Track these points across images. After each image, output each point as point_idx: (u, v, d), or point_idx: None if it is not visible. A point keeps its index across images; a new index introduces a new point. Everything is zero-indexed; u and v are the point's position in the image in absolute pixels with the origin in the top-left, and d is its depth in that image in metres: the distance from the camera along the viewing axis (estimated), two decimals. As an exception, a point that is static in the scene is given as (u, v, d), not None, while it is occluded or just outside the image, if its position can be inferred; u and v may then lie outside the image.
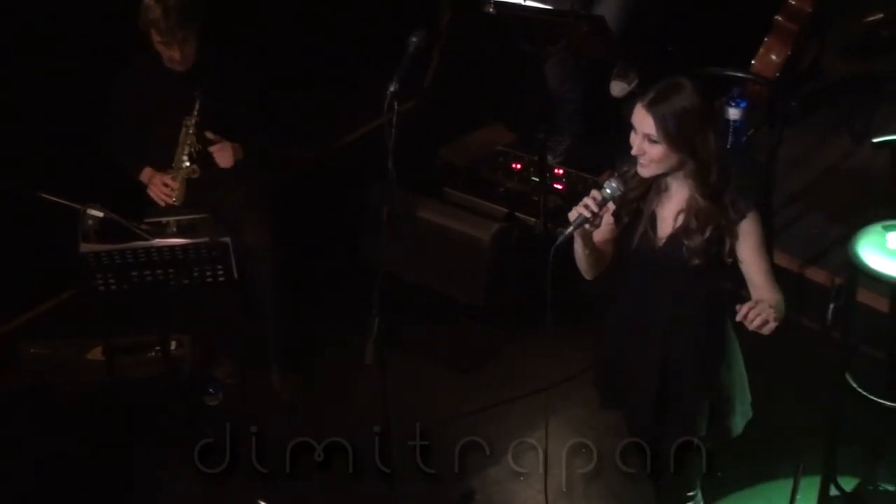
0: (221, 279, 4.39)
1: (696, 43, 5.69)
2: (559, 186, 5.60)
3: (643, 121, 3.39)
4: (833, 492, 4.53)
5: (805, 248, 5.29)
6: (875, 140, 4.51)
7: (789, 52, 5.66)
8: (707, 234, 3.45)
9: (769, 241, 3.54)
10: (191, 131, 4.77)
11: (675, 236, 3.49)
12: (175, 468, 4.63)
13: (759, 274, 3.51)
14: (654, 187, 3.52)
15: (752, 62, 5.66)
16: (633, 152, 3.42)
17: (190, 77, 4.75)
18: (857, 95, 5.98)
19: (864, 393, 4.62)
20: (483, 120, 6.00)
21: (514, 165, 5.67)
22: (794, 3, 5.69)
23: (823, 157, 5.80)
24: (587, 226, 3.43)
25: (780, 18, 5.70)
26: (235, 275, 4.41)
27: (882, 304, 4.79)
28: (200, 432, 4.57)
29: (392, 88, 3.88)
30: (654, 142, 3.38)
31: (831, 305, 3.95)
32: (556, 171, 5.62)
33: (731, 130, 4.90)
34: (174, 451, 4.65)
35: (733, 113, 4.90)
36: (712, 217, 3.45)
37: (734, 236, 3.47)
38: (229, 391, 5.04)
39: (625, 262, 3.62)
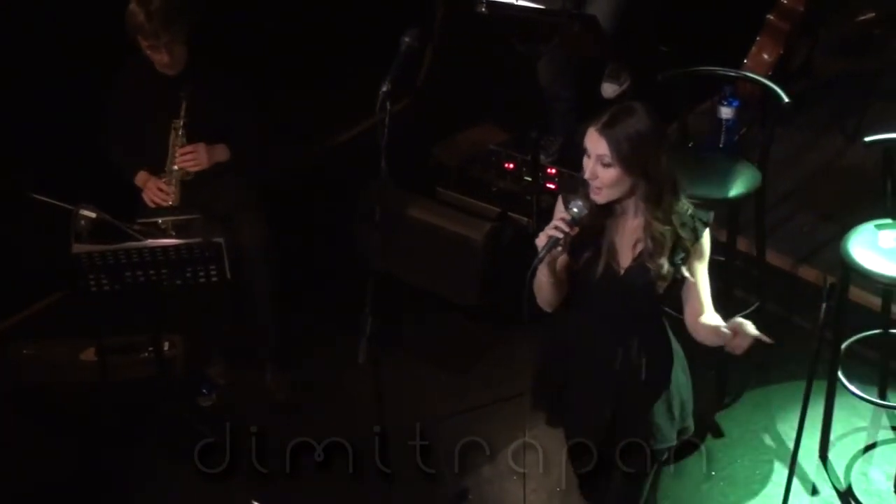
0: (215, 279, 4.39)
1: (688, 42, 5.70)
2: (552, 186, 5.59)
3: (597, 144, 3.38)
4: (828, 492, 4.55)
5: (797, 246, 5.30)
6: (867, 139, 4.51)
7: (781, 51, 5.67)
8: (667, 254, 3.44)
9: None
10: (180, 133, 4.77)
11: (637, 263, 3.48)
12: (169, 469, 4.63)
13: (705, 293, 3.53)
14: (611, 215, 3.50)
15: (745, 61, 5.67)
16: (586, 177, 3.41)
17: (181, 80, 4.75)
18: (849, 94, 5.99)
19: (857, 392, 4.64)
20: (476, 119, 6.00)
21: (506, 165, 5.67)
22: (786, 2, 5.70)
23: (815, 155, 5.81)
24: (559, 248, 3.41)
25: (772, 17, 5.71)
26: (229, 275, 4.41)
27: (874, 303, 4.80)
28: (194, 432, 4.57)
29: (385, 88, 3.88)
30: (608, 165, 3.37)
31: (823, 304, 3.95)
32: (548, 170, 5.62)
33: (723, 129, 4.91)
34: (168, 451, 4.65)
35: (725, 112, 4.91)
36: (670, 238, 3.44)
37: (691, 256, 3.47)
38: (223, 391, 5.04)
39: (578, 294, 3.59)
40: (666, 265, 3.45)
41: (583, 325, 3.62)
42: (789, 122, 5.58)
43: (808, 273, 5.18)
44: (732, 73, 4.91)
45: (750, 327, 3.43)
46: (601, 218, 3.49)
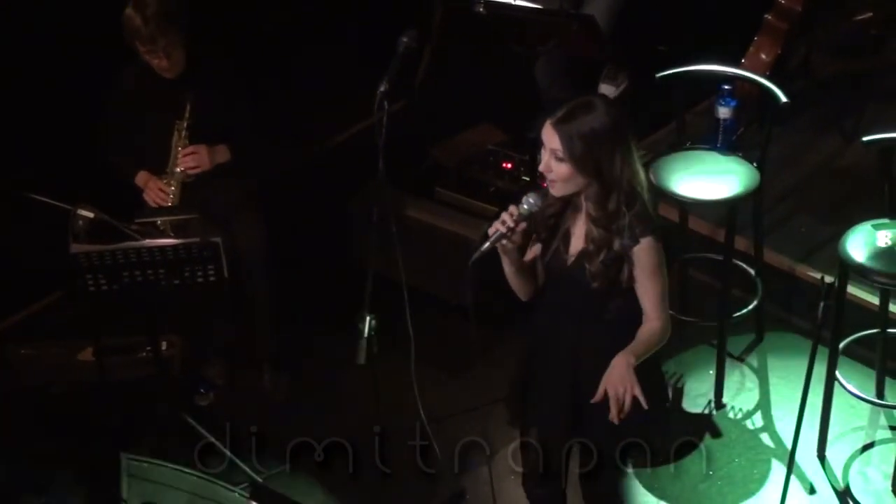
0: (212, 279, 4.39)
1: (685, 41, 5.69)
2: (550, 186, 5.60)
3: (551, 138, 3.36)
4: (826, 491, 4.55)
5: (795, 246, 5.30)
6: (865, 139, 4.51)
7: (779, 51, 5.67)
8: (602, 257, 3.42)
9: (666, 268, 3.50)
10: (183, 135, 4.77)
11: (580, 257, 3.48)
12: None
13: (647, 300, 3.48)
14: (570, 205, 3.49)
15: (742, 61, 5.67)
16: (541, 168, 3.40)
17: (181, 82, 4.75)
18: (847, 94, 5.99)
19: (855, 391, 4.64)
20: (473, 120, 6.00)
21: (504, 165, 5.67)
22: (783, 2, 5.70)
23: (813, 155, 5.81)
24: (504, 241, 3.40)
25: (769, 17, 5.71)
26: (226, 275, 4.41)
27: (872, 303, 4.80)
28: (193, 432, 4.58)
29: (382, 88, 3.89)
30: (560, 160, 3.35)
31: (821, 304, 3.96)
32: (546, 170, 5.63)
33: (721, 129, 4.91)
34: (166, 451, 4.64)
35: (723, 112, 4.90)
36: (605, 241, 3.42)
37: (630, 262, 3.44)
38: (220, 391, 5.04)
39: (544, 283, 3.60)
40: (599, 267, 3.42)
41: (542, 315, 3.64)
42: (787, 122, 5.58)
43: (806, 273, 5.19)
44: (730, 73, 4.91)
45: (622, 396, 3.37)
46: (561, 206, 3.48)
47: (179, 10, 4.67)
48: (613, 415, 3.40)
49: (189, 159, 4.78)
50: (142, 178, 4.90)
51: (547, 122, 3.37)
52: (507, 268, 3.52)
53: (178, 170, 4.80)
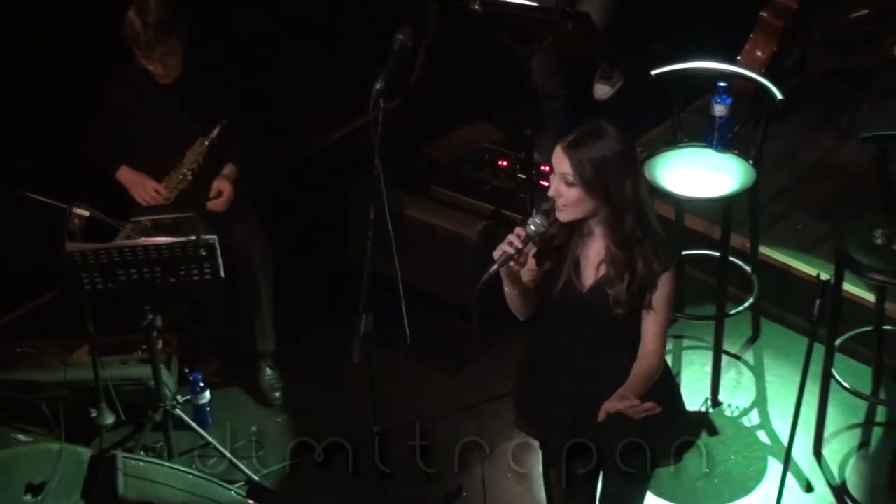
0: (208, 278, 4.38)
1: (681, 39, 5.69)
2: (545, 183, 5.59)
3: (561, 162, 3.34)
4: (822, 489, 4.55)
5: (791, 243, 5.30)
6: (863, 136, 4.52)
7: (775, 48, 5.67)
8: (625, 282, 3.39)
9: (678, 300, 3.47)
10: (204, 150, 4.77)
11: (599, 284, 3.44)
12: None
13: (651, 329, 3.45)
14: (577, 231, 3.46)
15: (738, 58, 5.67)
16: (550, 193, 3.38)
17: (175, 86, 4.75)
18: (843, 92, 5.99)
19: (851, 389, 4.64)
20: (469, 117, 6.00)
21: (500, 163, 5.67)
22: (779, -1, 5.71)
23: (809, 153, 5.82)
24: (512, 263, 3.38)
25: (765, 14, 5.70)
26: (222, 273, 4.41)
27: (868, 300, 4.80)
28: (190, 432, 4.57)
29: (378, 86, 3.88)
30: (571, 184, 3.34)
31: (817, 301, 3.96)
32: (542, 168, 5.63)
33: (716, 127, 4.91)
34: (162, 450, 4.64)
35: (719, 109, 4.90)
36: (627, 265, 3.38)
37: (653, 288, 3.41)
38: (216, 390, 5.03)
39: (546, 303, 3.55)
40: (624, 293, 3.39)
41: (546, 335, 3.60)
42: (783, 119, 5.59)
43: (801, 270, 5.19)
44: (726, 71, 4.91)
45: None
46: (567, 233, 3.45)
47: (180, 21, 4.66)
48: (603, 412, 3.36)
49: (220, 204, 4.81)
50: (127, 175, 4.88)
51: (557, 147, 3.36)
52: (509, 290, 3.49)
53: (183, 177, 4.80)
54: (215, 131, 4.77)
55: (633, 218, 3.36)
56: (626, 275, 3.39)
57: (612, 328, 3.47)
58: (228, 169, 4.90)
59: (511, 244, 3.37)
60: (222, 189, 4.84)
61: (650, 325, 3.46)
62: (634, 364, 3.46)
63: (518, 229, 3.39)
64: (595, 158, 3.31)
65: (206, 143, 4.78)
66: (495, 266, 3.38)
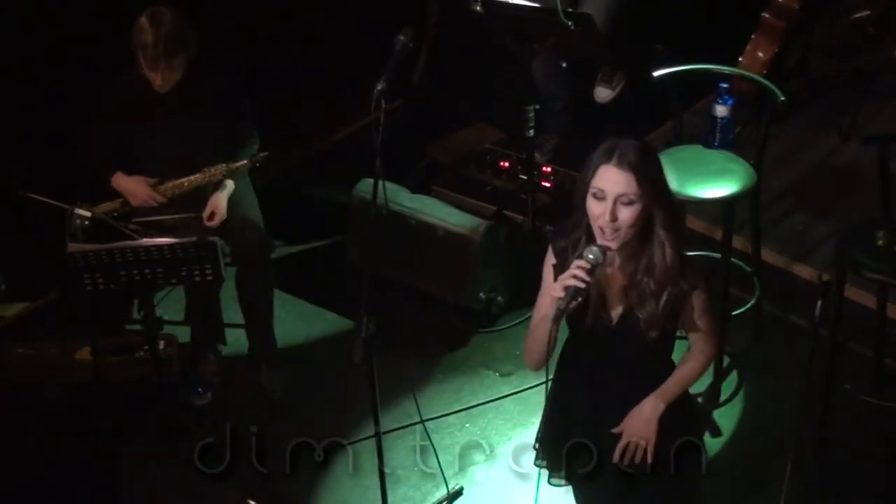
0: (209, 279, 4.39)
1: (683, 40, 5.69)
2: (547, 184, 5.60)
3: (617, 182, 3.15)
4: (825, 489, 4.55)
5: (792, 244, 5.30)
6: (865, 136, 4.52)
7: (776, 50, 5.67)
8: (663, 300, 3.27)
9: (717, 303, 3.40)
10: (217, 176, 4.79)
11: (628, 310, 3.31)
12: (164, 469, 4.62)
13: (700, 343, 3.42)
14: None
15: (740, 59, 5.67)
16: (605, 221, 3.17)
17: (175, 90, 4.74)
18: (844, 93, 6.00)
19: (853, 390, 4.64)
20: (471, 118, 6.00)
21: (501, 164, 5.68)
22: (781, 0, 5.70)
23: (810, 154, 5.82)
24: (579, 299, 3.20)
25: (767, 16, 5.71)
26: (223, 274, 4.41)
27: (870, 301, 4.80)
28: (190, 432, 4.57)
29: (380, 87, 3.88)
30: (629, 203, 3.18)
31: (819, 302, 3.95)
32: (543, 169, 5.63)
33: (718, 128, 4.91)
34: (163, 451, 4.64)
35: (720, 110, 4.90)
36: (672, 277, 3.26)
37: (685, 308, 3.33)
38: (217, 390, 5.03)
39: (569, 342, 3.47)
40: (657, 313, 3.28)
41: (580, 379, 3.47)
42: (784, 120, 5.59)
43: (803, 271, 5.19)
44: (728, 72, 4.91)
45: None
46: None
47: (189, 40, 4.65)
48: (616, 457, 3.37)
49: (213, 224, 4.79)
50: (122, 182, 4.87)
51: (607, 167, 3.17)
52: (553, 333, 3.26)
53: (181, 191, 4.81)
54: (240, 163, 4.78)
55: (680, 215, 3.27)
56: (665, 289, 3.27)
57: (645, 358, 3.39)
58: (225, 186, 4.86)
59: (578, 277, 3.18)
60: (216, 209, 4.81)
61: (697, 340, 3.42)
62: (678, 367, 3.43)
63: (580, 262, 3.20)
64: (648, 160, 3.20)
65: (223, 172, 4.79)
66: (564, 302, 3.19)
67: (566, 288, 3.19)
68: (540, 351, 3.28)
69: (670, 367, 3.45)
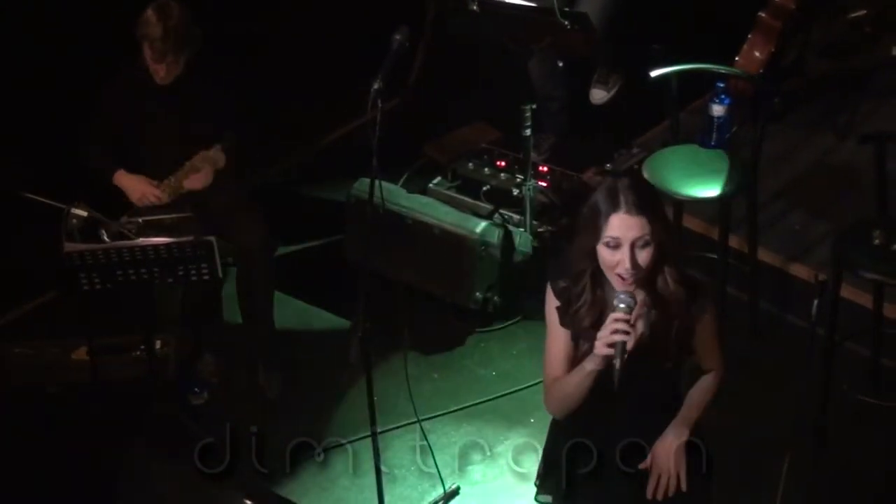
0: (206, 278, 4.39)
1: (679, 39, 5.70)
2: (544, 184, 5.60)
3: (631, 227, 3.08)
4: (823, 488, 4.55)
5: (789, 243, 5.31)
6: (862, 135, 4.52)
7: (773, 49, 5.68)
8: (675, 326, 3.23)
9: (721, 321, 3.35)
10: (198, 161, 4.78)
11: (639, 344, 3.20)
12: (162, 468, 4.61)
13: (710, 356, 3.40)
14: (607, 305, 3.23)
15: (736, 59, 5.68)
16: (626, 268, 3.10)
17: (173, 88, 4.75)
18: (841, 92, 6.00)
19: (850, 390, 4.65)
20: (467, 117, 6.01)
21: (498, 163, 5.68)
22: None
23: (807, 153, 5.82)
24: (628, 349, 3.13)
25: (763, 15, 5.71)
26: (220, 274, 4.41)
27: (866, 301, 4.81)
28: (188, 432, 4.57)
29: (376, 86, 3.88)
30: (646, 245, 3.10)
31: (815, 301, 3.96)
32: (540, 168, 5.64)
33: (714, 127, 4.92)
34: (161, 451, 4.63)
35: (717, 110, 4.91)
36: (680, 301, 3.21)
37: (696, 332, 3.29)
38: (214, 390, 5.03)
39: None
40: (670, 341, 3.24)
41: (594, 421, 3.37)
42: (781, 119, 5.59)
43: (799, 270, 5.19)
44: (724, 71, 4.92)
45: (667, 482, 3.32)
46: (597, 309, 3.24)
47: (195, 36, 4.66)
48: (650, 492, 3.33)
49: (197, 180, 4.78)
50: (124, 179, 4.87)
51: (619, 216, 3.09)
52: (591, 382, 3.21)
53: (179, 186, 4.80)
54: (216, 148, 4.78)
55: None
56: (676, 315, 3.23)
57: (658, 390, 3.37)
58: (216, 152, 4.84)
59: (620, 331, 3.10)
60: (206, 171, 4.80)
61: (707, 355, 3.39)
62: (693, 391, 3.41)
63: (615, 315, 3.12)
64: (653, 195, 3.17)
65: (211, 155, 4.78)
66: (619, 358, 3.11)
67: (612, 345, 3.12)
68: (577, 403, 3.24)
69: (681, 397, 3.42)
